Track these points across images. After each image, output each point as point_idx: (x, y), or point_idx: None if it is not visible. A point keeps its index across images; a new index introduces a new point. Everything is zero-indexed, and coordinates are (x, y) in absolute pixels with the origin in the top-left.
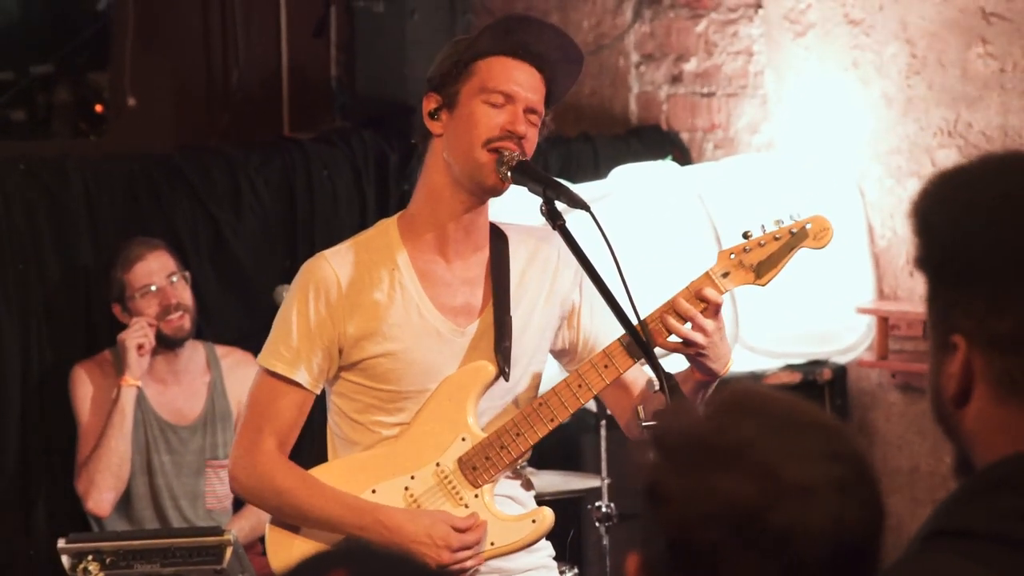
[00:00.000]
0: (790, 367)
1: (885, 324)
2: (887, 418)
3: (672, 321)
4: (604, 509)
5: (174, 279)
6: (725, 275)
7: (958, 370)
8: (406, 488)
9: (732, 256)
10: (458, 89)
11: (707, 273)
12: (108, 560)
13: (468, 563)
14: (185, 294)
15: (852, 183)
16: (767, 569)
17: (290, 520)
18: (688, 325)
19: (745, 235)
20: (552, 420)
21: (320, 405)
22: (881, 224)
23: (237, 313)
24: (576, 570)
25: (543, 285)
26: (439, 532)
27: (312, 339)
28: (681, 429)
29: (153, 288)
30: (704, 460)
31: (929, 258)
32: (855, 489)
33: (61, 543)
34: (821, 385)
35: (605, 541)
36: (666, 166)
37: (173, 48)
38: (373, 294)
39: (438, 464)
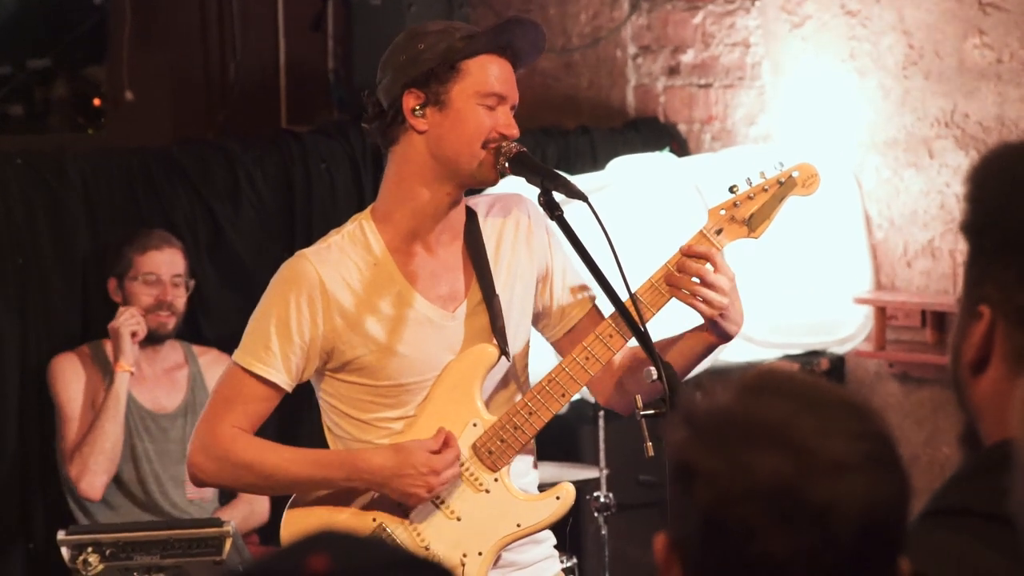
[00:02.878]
0: (788, 357)
1: (883, 314)
2: (885, 408)
3: (684, 283)
4: (602, 499)
5: (178, 281)
6: (719, 232)
7: (979, 339)
8: (373, 448)
9: (723, 212)
10: (447, 89)
11: (701, 231)
12: (108, 552)
13: (450, 482)
14: (181, 300)
15: (849, 174)
16: (800, 546)
17: (270, 492)
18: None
19: (731, 189)
20: (563, 395)
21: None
22: (878, 214)
23: (235, 306)
24: (575, 560)
25: (519, 252)
26: (420, 460)
27: (290, 338)
28: (711, 408)
29: (155, 279)
30: (739, 437)
31: (973, 224)
32: (885, 466)
33: (61, 535)
34: (819, 375)
35: (604, 531)
36: (664, 158)
37: (171, 42)
38: (358, 290)
39: (415, 442)
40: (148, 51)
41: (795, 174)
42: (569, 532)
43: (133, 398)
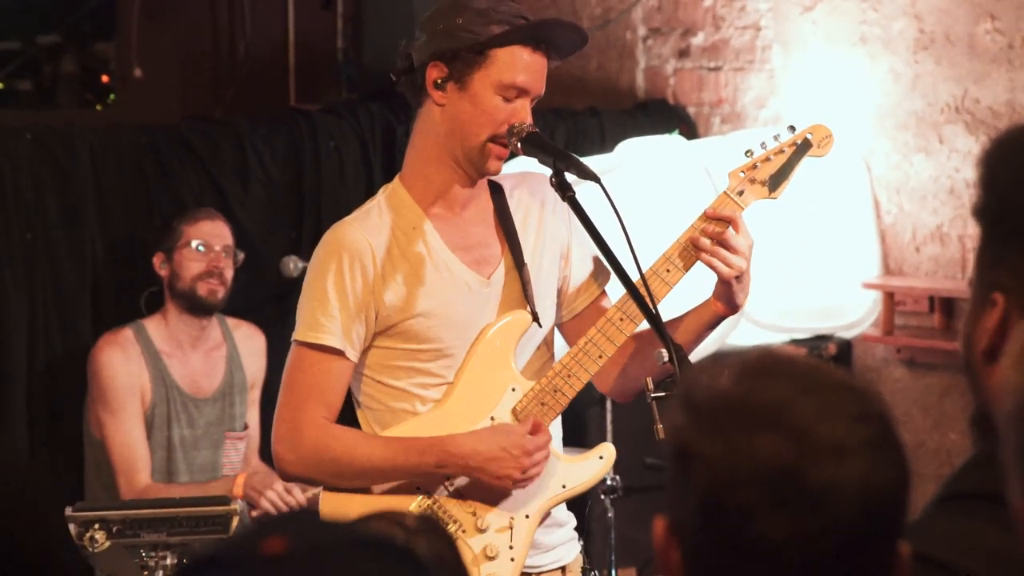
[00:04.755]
0: (795, 341)
1: (891, 300)
2: (892, 393)
3: (709, 244)
4: (609, 482)
5: (228, 251)
6: (740, 193)
7: (993, 326)
8: (463, 433)
9: (742, 174)
10: (471, 71)
11: (724, 193)
12: (115, 529)
13: (542, 464)
14: (229, 272)
15: (859, 158)
16: (799, 529)
17: (353, 483)
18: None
19: (747, 153)
20: (601, 357)
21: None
22: (888, 200)
23: (244, 283)
24: (581, 542)
25: (545, 226)
26: (512, 442)
27: (350, 308)
28: (710, 391)
29: (204, 248)
30: (738, 421)
31: (986, 209)
32: (884, 449)
33: (68, 511)
34: (826, 360)
35: (610, 514)
36: (673, 140)
37: (180, 19)
38: (404, 257)
39: (492, 418)
40: (157, 28)
41: (810, 135)
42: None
43: (174, 382)
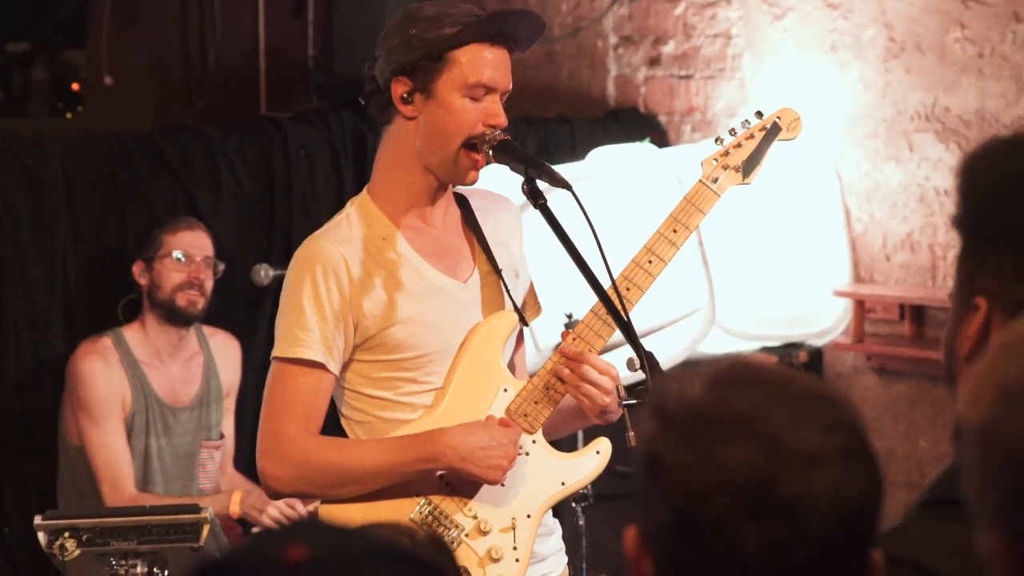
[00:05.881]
0: (766, 349)
1: (861, 307)
2: (862, 401)
3: (570, 377)
4: (580, 490)
5: (208, 262)
6: (715, 181)
7: (975, 332)
8: (450, 427)
9: (715, 162)
10: (434, 79)
11: (699, 181)
12: (85, 537)
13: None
14: (209, 283)
15: (829, 166)
16: (772, 539)
17: (346, 491)
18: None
19: (717, 140)
20: (590, 352)
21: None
22: (858, 207)
23: (216, 292)
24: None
25: (512, 242)
26: (497, 434)
27: (328, 320)
28: (681, 400)
29: (184, 259)
30: (708, 430)
31: (966, 217)
32: (858, 458)
33: (38, 520)
34: (797, 368)
35: (581, 522)
36: (644, 148)
37: (150, 27)
38: (379, 265)
39: (488, 419)
40: (128, 36)
41: (778, 119)
42: None
43: (153, 391)
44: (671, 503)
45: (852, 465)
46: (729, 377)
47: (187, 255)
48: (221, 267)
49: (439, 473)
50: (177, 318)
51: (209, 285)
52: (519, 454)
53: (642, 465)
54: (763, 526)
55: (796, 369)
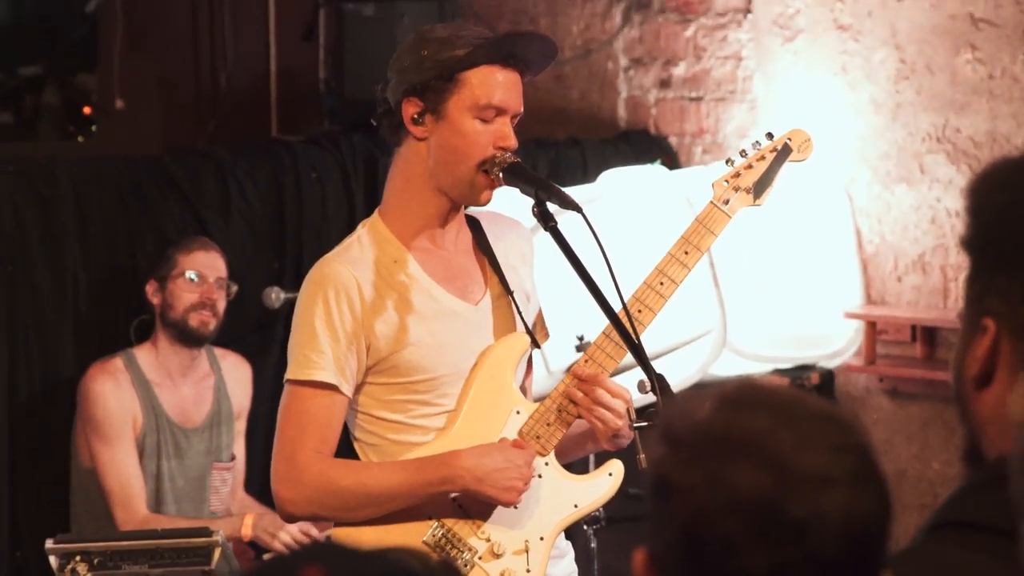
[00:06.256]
0: (778, 371)
1: (873, 329)
2: (874, 423)
3: (584, 400)
4: (592, 512)
5: (221, 283)
6: (726, 202)
7: (983, 353)
8: (464, 449)
9: (726, 183)
10: (444, 99)
11: (711, 203)
12: (96, 561)
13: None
14: (222, 304)
15: (840, 188)
16: (780, 560)
17: (361, 514)
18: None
19: (728, 162)
20: (603, 374)
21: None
22: (869, 229)
23: (227, 315)
24: None
25: (523, 268)
26: (512, 455)
27: (340, 341)
28: (689, 422)
29: (198, 279)
30: (717, 452)
31: (975, 238)
32: (866, 480)
33: (49, 543)
34: (809, 390)
35: (593, 544)
36: (655, 170)
37: (162, 50)
38: (390, 287)
39: (500, 441)
40: (139, 59)
41: (788, 140)
42: None
43: (164, 412)
44: (679, 525)
45: (861, 486)
46: (737, 399)
47: (200, 275)
48: (234, 288)
49: (452, 495)
50: (189, 338)
51: (222, 306)
52: (534, 475)
53: (650, 488)
54: (772, 548)
55: (804, 391)
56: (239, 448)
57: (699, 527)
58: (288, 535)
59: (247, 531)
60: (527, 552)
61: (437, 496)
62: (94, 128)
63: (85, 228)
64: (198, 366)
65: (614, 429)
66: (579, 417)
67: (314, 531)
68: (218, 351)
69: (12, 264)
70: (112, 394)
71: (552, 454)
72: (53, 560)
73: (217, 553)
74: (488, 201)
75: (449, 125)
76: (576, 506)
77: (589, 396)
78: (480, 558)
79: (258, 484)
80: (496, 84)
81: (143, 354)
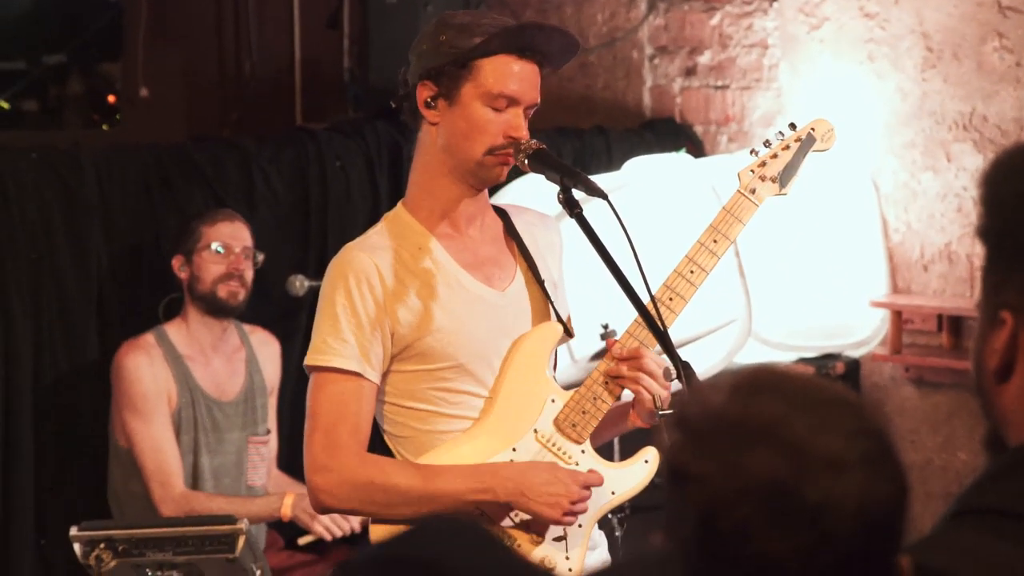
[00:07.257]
0: (803, 360)
1: (899, 318)
2: (900, 412)
3: (628, 372)
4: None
5: (247, 253)
6: (752, 191)
7: (1002, 345)
8: (511, 461)
9: (752, 172)
10: (458, 86)
11: (738, 191)
12: (120, 548)
13: (587, 503)
14: (249, 274)
15: (866, 177)
16: (797, 545)
17: (399, 512)
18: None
19: (753, 152)
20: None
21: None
22: (895, 218)
23: (251, 303)
24: None
25: (551, 258)
26: (562, 474)
27: (364, 328)
28: (705, 408)
29: (223, 250)
30: (733, 438)
31: (990, 229)
32: (882, 464)
33: (73, 531)
34: (834, 379)
35: (618, 532)
36: (680, 158)
37: (186, 38)
38: (413, 274)
39: (536, 431)
40: (163, 48)
41: (812, 130)
42: None
43: (198, 386)
44: (696, 512)
45: (876, 471)
46: (751, 385)
47: (226, 246)
48: (261, 257)
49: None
50: (218, 310)
51: (249, 276)
52: (571, 463)
53: (667, 475)
54: (788, 533)
55: (824, 377)
56: (272, 423)
57: (716, 514)
58: (327, 518)
59: (287, 511)
60: (565, 539)
61: (480, 503)
62: (118, 116)
63: (109, 216)
64: (229, 340)
65: (661, 396)
66: (617, 400)
67: (353, 519)
68: (247, 327)
69: (37, 252)
70: (146, 368)
71: (588, 442)
72: (77, 547)
73: (241, 541)
74: (503, 177)
75: (460, 111)
76: (613, 493)
77: (634, 365)
78: (519, 545)
79: (285, 462)
80: (511, 74)
81: (174, 330)
